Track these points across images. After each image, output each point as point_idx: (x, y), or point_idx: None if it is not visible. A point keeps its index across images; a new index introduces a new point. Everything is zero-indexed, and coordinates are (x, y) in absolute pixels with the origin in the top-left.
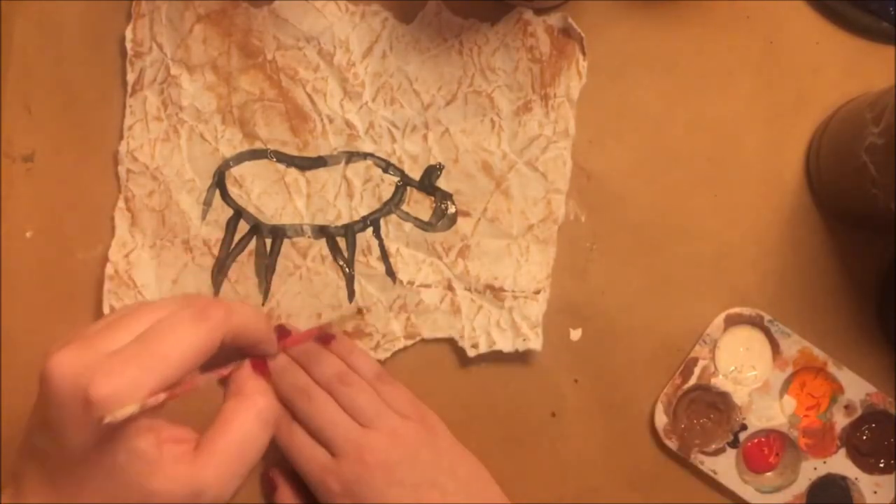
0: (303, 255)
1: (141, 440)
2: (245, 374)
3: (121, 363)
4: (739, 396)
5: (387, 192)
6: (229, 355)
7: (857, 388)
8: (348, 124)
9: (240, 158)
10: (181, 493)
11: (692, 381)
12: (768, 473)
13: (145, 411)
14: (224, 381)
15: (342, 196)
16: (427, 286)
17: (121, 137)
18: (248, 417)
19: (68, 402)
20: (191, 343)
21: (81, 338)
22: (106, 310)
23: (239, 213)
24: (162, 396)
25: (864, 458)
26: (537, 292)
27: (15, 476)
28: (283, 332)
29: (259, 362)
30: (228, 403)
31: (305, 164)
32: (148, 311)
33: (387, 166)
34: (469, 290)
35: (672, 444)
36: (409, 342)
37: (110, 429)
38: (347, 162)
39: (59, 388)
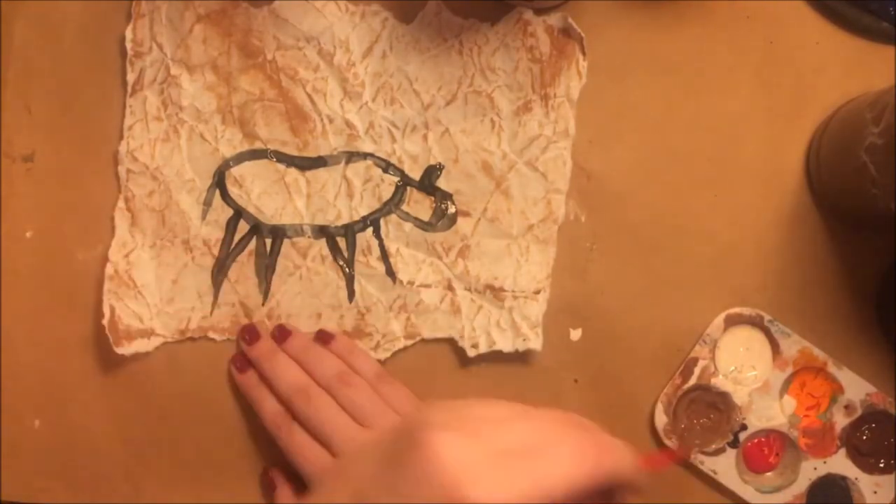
0: (303, 255)
1: None
2: None
3: (507, 476)
4: (739, 396)
5: (387, 192)
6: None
7: (857, 388)
8: (348, 124)
9: (240, 158)
10: None
11: (692, 381)
12: (768, 473)
13: None
14: None
15: (342, 196)
16: (427, 286)
17: (121, 137)
18: None
19: (438, 492)
20: (576, 480)
21: (469, 426)
22: (105, 310)
23: (239, 213)
24: None
25: (864, 458)
26: (537, 292)
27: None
28: (283, 332)
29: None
30: None
31: (305, 164)
32: (544, 426)
33: (387, 166)
34: (469, 290)
35: (672, 444)
36: (409, 342)
37: None
38: (347, 162)
39: (440, 474)
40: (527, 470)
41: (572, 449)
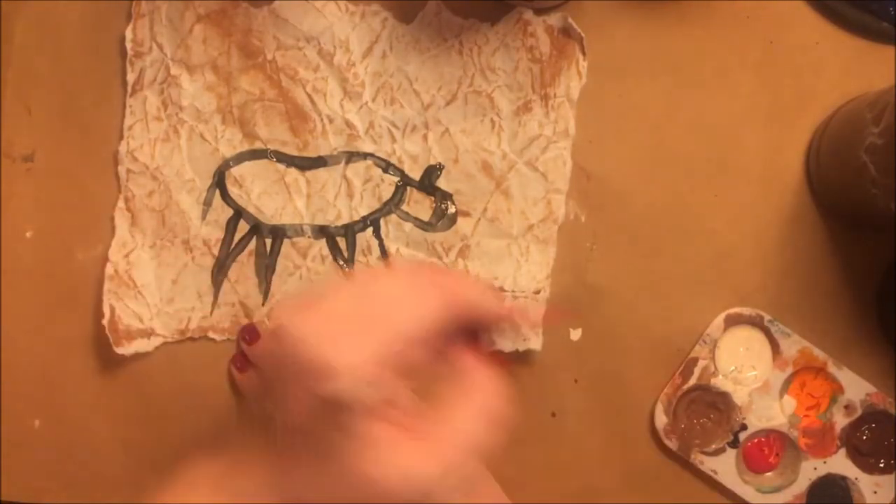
0: (303, 255)
1: (364, 419)
2: (483, 368)
3: (355, 333)
4: (739, 396)
5: (387, 192)
6: (455, 338)
7: (857, 388)
8: (348, 124)
9: (240, 158)
10: (395, 482)
11: (692, 381)
12: (768, 473)
13: (380, 390)
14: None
15: (342, 196)
16: None
17: (121, 137)
18: (481, 420)
19: (303, 367)
20: (422, 317)
21: (316, 302)
22: (105, 310)
23: (239, 213)
24: (391, 384)
25: (864, 458)
26: (537, 292)
27: (243, 444)
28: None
29: (500, 356)
30: (462, 395)
31: (305, 164)
32: (380, 281)
33: (387, 166)
34: None
35: (672, 444)
36: None
37: (339, 402)
38: (347, 162)
39: (296, 352)
40: (379, 319)
41: (418, 290)
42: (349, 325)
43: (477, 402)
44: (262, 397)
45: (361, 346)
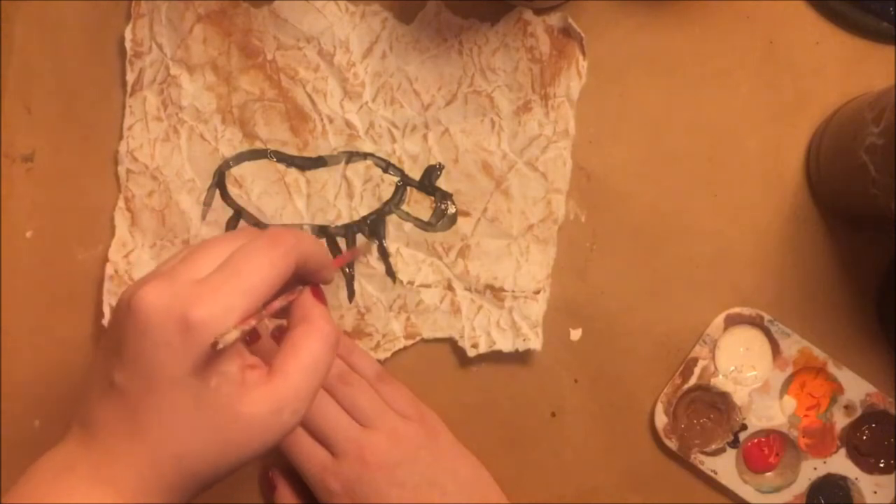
0: None
1: (231, 365)
2: (309, 301)
3: (213, 289)
4: (739, 396)
5: (387, 192)
6: (287, 284)
7: (857, 388)
8: (348, 124)
9: (240, 158)
10: (265, 413)
11: (692, 381)
12: (768, 473)
13: (238, 340)
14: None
15: (342, 196)
16: (427, 286)
17: (121, 137)
18: (317, 341)
19: (164, 331)
20: (271, 268)
21: (162, 273)
22: (106, 310)
23: (239, 213)
24: (254, 322)
25: (864, 458)
26: (537, 292)
27: (83, 420)
28: (283, 332)
29: (317, 289)
30: (297, 329)
31: (305, 164)
32: (222, 243)
33: (387, 166)
34: (469, 290)
35: (672, 444)
36: (409, 342)
37: (207, 354)
38: (347, 162)
39: (153, 318)
40: (228, 277)
41: (259, 247)
42: (210, 283)
43: (316, 330)
44: (111, 372)
45: (225, 300)
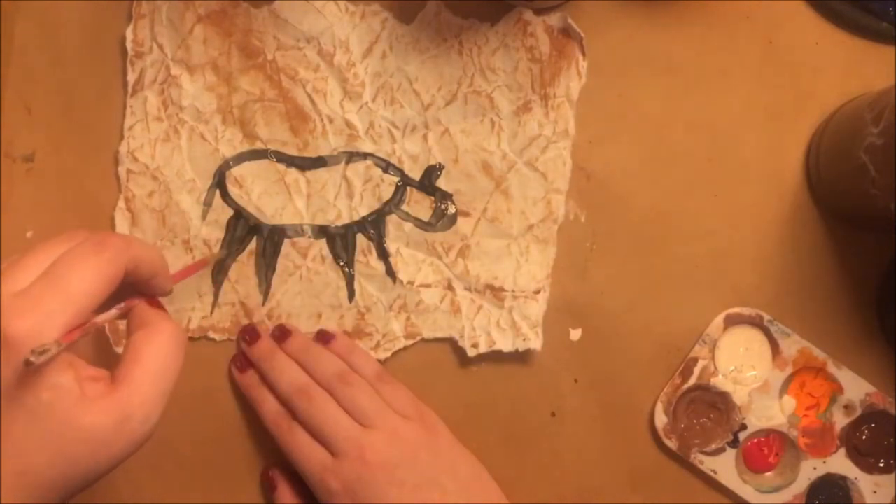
0: (303, 255)
1: (63, 376)
2: (145, 307)
3: (33, 300)
4: (739, 396)
5: (387, 192)
6: (122, 295)
7: (856, 388)
8: (348, 124)
9: (240, 158)
10: (110, 424)
11: (692, 381)
12: (768, 473)
13: (57, 355)
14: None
15: (342, 196)
16: (427, 286)
17: (121, 137)
18: (162, 341)
19: None
20: (97, 274)
21: None
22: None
23: (239, 213)
24: (77, 334)
25: (864, 457)
26: (537, 292)
27: None
28: (283, 331)
29: (154, 301)
30: (136, 335)
31: (305, 164)
32: (46, 249)
33: (387, 166)
34: (469, 289)
35: (672, 444)
36: (409, 342)
37: (30, 369)
38: (347, 162)
39: None
40: (48, 286)
41: (83, 252)
42: (22, 297)
43: (159, 331)
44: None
45: (45, 310)
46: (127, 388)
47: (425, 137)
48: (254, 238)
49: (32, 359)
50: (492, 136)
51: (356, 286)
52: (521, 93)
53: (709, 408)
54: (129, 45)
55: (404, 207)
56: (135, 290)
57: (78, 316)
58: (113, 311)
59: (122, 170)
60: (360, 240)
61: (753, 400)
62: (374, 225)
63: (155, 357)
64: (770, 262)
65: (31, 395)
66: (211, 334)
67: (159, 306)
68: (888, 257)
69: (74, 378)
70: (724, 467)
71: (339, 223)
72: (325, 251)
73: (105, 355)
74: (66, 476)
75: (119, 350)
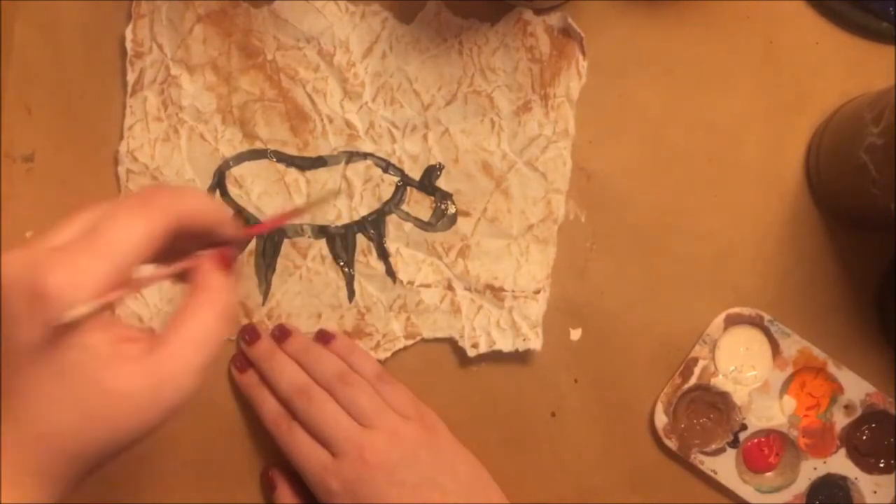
0: (303, 255)
1: (94, 337)
2: (207, 267)
3: (69, 256)
4: (739, 396)
5: (387, 192)
6: (188, 247)
7: (856, 388)
8: (348, 124)
9: (240, 158)
10: (142, 388)
11: (692, 381)
12: (768, 473)
13: (92, 314)
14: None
15: (342, 196)
16: (427, 286)
17: (121, 137)
18: (210, 314)
19: (17, 298)
20: (138, 230)
21: (23, 245)
22: None
23: (239, 212)
24: (117, 294)
25: (864, 458)
26: (537, 292)
27: None
28: (283, 331)
29: (223, 252)
30: (190, 298)
31: (305, 164)
32: (91, 209)
33: (387, 166)
34: (469, 289)
35: (672, 444)
36: (409, 342)
37: (63, 327)
38: (347, 162)
39: (7, 284)
40: (89, 242)
41: (127, 208)
42: (62, 251)
43: (210, 301)
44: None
45: (83, 265)
46: (166, 353)
47: (425, 137)
48: (254, 238)
49: (66, 318)
50: (492, 136)
51: (356, 286)
52: (521, 93)
53: (709, 408)
54: (128, 44)
55: (404, 207)
56: (196, 242)
57: (117, 274)
58: (159, 272)
59: (121, 170)
60: (360, 240)
61: (753, 400)
62: (374, 225)
63: (201, 325)
64: (770, 262)
65: (59, 355)
66: None
67: (227, 263)
68: (888, 257)
69: (108, 339)
70: (724, 467)
71: (339, 223)
72: (325, 251)
73: None
74: (92, 442)
75: None
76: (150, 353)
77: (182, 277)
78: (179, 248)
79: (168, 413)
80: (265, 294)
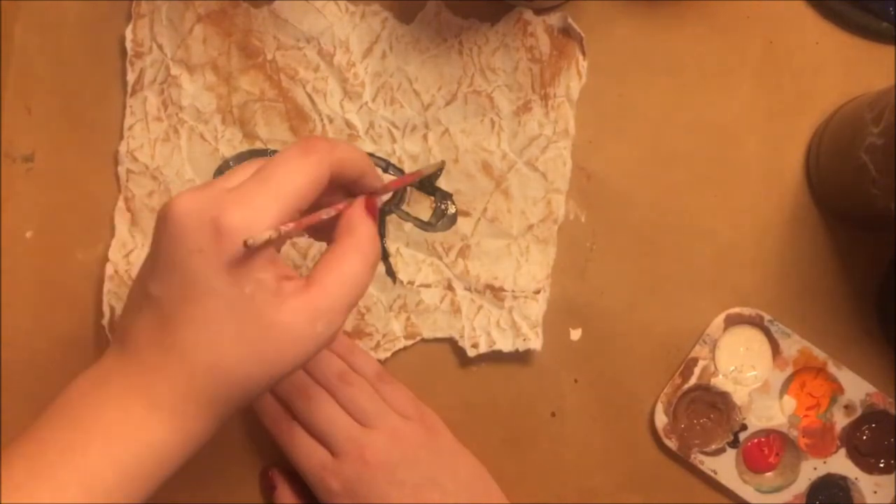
0: (303, 255)
1: (266, 272)
2: (356, 213)
3: (245, 195)
4: (739, 396)
5: None
6: (333, 196)
7: (857, 388)
8: (348, 124)
9: (240, 158)
10: (301, 323)
11: (692, 381)
12: (768, 473)
13: (272, 241)
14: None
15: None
16: (427, 286)
17: (121, 137)
18: (358, 258)
19: (197, 235)
20: (304, 173)
21: (197, 186)
22: (105, 310)
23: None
24: (292, 225)
25: (864, 458)
26: (537, 292)
27: (120, 336)
28: None
29: (371, 199)
30: (340, 242)
31: None
32: (258, 161)
33: (387, 166)
34: (469, 289)
35: (672, 444)
36: (409, 342)
37: (239, 259)
38: None
39: (186, 223)
40: (260, 184)
41: (291, 156)
42: (236, 192)
43: (358, 247)
44: (147, 284)
45: (257, 203)
46: (321, 290)
47: (425, 137)
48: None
49: (251, 241)
50: (492, 136)
51: None
52: (521, 93)
53: (709, 408)
54: (128, 44)
55: (404, 207)
56: (343, 190)
57: (287, 213)
58: (322, 212)
59: (121, 170)
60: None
61: (754, 400)
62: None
63: (351, 266)
64: (770, 262)
65: (236, 287)
66: None
67: (373, 210)
68: (888, 257)
69: (275, 275)
70: (724, 467)
71: None
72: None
73: None
74: (252, 374)
75: None
76: (307, 291)
77: (322, 234)
78: (324, 202)
79: (319, 347)
80: None
